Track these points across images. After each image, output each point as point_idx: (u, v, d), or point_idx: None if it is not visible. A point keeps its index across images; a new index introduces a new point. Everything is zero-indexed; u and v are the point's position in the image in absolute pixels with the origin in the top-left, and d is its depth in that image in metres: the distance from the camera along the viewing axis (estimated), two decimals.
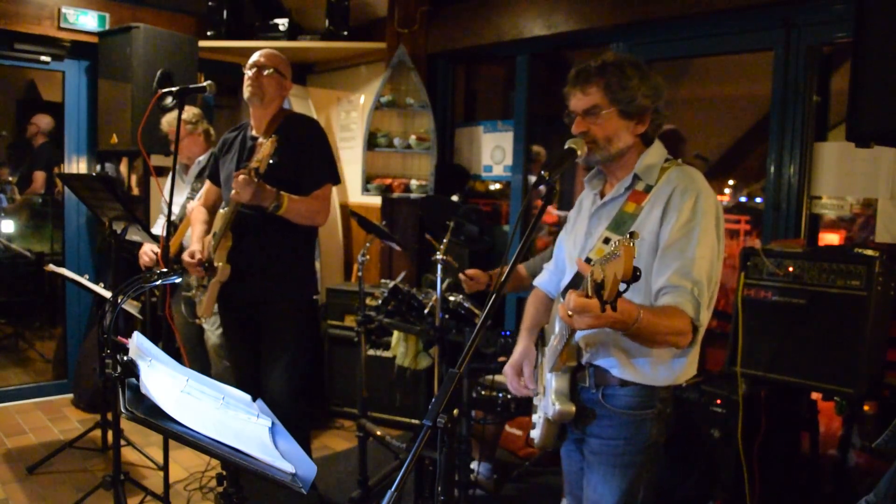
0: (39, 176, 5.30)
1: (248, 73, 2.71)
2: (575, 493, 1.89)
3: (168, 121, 3.63)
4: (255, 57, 2.74)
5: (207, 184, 2.98)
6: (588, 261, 1.70)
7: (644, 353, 1.65)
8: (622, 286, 1.19)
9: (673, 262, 1.58)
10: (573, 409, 1.70)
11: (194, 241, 2.84)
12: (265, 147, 2.47)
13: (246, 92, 2.71)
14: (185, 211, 3.60)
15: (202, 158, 3.67)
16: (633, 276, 1.16)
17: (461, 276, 2.85)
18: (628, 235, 1.19)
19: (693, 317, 1.54)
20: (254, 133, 2.78)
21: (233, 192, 2.53)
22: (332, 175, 2.82)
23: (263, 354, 2.81)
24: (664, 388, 1.70)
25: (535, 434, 1.88)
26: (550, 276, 2.01)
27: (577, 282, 1.71)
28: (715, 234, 1.63)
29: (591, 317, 1.32)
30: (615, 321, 1.37)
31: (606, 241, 1.69)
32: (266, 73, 2.70)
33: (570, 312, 1.35)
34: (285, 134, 2.68)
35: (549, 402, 1.73)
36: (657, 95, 1.70)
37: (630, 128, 1.70)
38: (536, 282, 2.05)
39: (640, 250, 1.64)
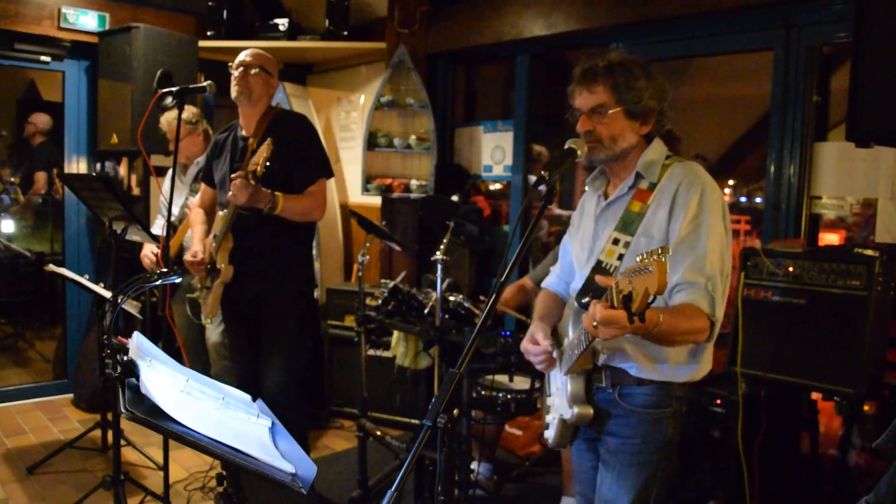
0: (41, 176, 5.30)
1: (235, 73, 2.73)
2: (585, 493, 1.89)
3: (167, 119, 3.63)
4: (241, 56, 2.76)
5: (202, 185, 2.99)
6: (599, 263, 1.71)
7: (662, 353, 1.65)
8: (650, 298, 1.20)
9: (685, 259, 1.59)
10: (591, 411, 1.71)
11: (195, 242, 2.85)
12: (261, 151, 2.49)
13: (233, 91, 2.73)
14: (184, 212, 3.61)
15: (201, 159, 3.68)
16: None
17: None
18: (660, 250, 1.19)
19: (709, 313, 1.54)
20: (244, 133, 2.80)
21: (229, 194, 2.55)
22: (325, 169, 2.83)
23: (263, 350, 2.84)
24: (680, 387, 1.70)
25: (550, 434, 1.88)
26: (557, 279, 2.01)
27: (589, 286, 1.71)
28: (723, 225, 1.63)
29: (619, 328, 1.33)
30: (639, 329, 1.37)
31: (615, 241, 1.69)
32: (253, 71, 2.71)
33: (595, 323, 1.36)
34: (275, 132, 2.70)
35: (567, 405, 1.73)
36: (663, 97, 1.70)
37: (635, 128, 1.70)
38: (545, 284, 2.05)
39: (651, 249, 1.64)
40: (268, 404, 1.38)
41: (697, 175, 1.67)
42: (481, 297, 3.32)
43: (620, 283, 1.26)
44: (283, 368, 2.80)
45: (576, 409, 1.70)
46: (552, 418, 1.87)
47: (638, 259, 1.22)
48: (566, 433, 1.84)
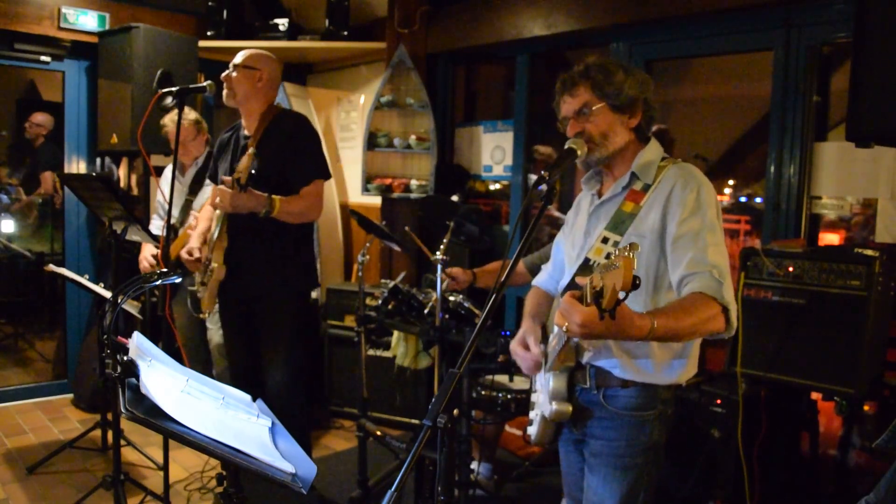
0: (48, 176, 5.28)
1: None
2: (574, 495, 1.89)
3: (172, 120, 3.63)
4: None
5: (210, 185, 3.01)
6: (587, 260, 1.71)
7: (646, 354, 1.65)
8: (621, 294, 1.19)
9: (687, 253, 1.59)
10: (570, 409, 1.71)
11: (193, 238, 2.87)
12: (243, 161, 2.55)
13: (223, 96, 2.76)
14: (184, 214, 3.62)
15: (200, 160, 3.71)
16: (633, 285, 1.16)
17: (442, 275, 2.78)
18: (628, 247, 1.19)
19: (717, 297, 1.53)
20: (246, 132, 2.82)
21: (215, 200, 2.58)
22: (320, 170, 2.83)
23: (262, 348, 2.84)
24: (666, 389, 1.70)
25: (532, 430, 1.88)
26: (549, 277, 2.01)
27: (575, 283, 1.71)
28: (718, 224, 1.64)
29: (586, 324, 1.31)
30: (609, 329, 1.33)
31: (605, 240, 1.69)
32: (234, 74, 2.73)
33: (563, 314, 1.35)
34: (273, 132, 2.71)
35: (547, 401, 1.73)
36: (644, 86, 1.72)
37: (624, 122, 1.71)
38: (535, 282, 2.05)
39: (642, 249, 1.65)
40: (269, 403, 1.38)
41: (693, 175, 1.67)
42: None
43: (594, 279, 1.26)
44: (282, 367, 2.81)
45: (554, 406, 1.69)
46: (535, 415, 1.87)
47: (612, 256, 1.21)
48: (548, 431, 1.83)
